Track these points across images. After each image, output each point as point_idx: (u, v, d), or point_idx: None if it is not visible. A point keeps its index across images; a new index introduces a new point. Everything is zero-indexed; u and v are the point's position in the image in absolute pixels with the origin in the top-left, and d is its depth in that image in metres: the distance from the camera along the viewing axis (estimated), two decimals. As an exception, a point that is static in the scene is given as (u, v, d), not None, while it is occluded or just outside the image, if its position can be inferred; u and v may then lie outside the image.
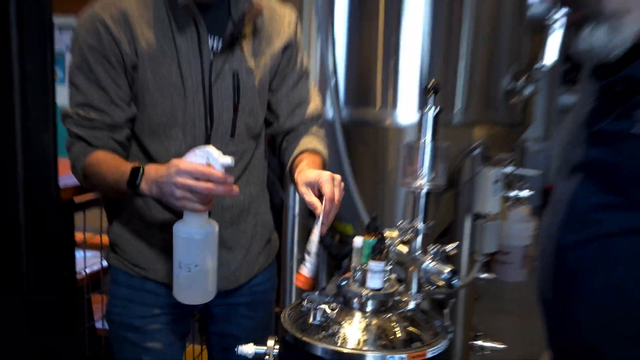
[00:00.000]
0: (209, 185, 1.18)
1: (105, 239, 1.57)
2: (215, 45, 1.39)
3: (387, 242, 1.27)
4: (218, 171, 1.20)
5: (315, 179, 1.28)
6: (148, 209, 1.44)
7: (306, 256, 1.28)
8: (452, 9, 1.94)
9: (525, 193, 2.04)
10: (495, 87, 2.04)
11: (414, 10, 1.92)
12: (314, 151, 1.48)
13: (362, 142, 2.00)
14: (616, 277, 1.05)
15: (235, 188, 1.22)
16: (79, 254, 1.80)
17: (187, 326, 1.60)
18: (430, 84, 1.19)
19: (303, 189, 1.30)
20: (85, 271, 1.89)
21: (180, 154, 1.28)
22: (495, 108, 2.06)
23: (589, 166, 1.10)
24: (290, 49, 1.51)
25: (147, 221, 1.45)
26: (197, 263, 1.29)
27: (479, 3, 1.96)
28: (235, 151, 1.43)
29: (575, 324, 1.11)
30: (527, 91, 2.03)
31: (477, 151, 2.02)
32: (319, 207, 1.26)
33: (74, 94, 1.36)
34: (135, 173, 1.26)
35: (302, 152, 1.48)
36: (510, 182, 2.08)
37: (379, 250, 1.18)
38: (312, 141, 1.51)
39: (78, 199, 1.78)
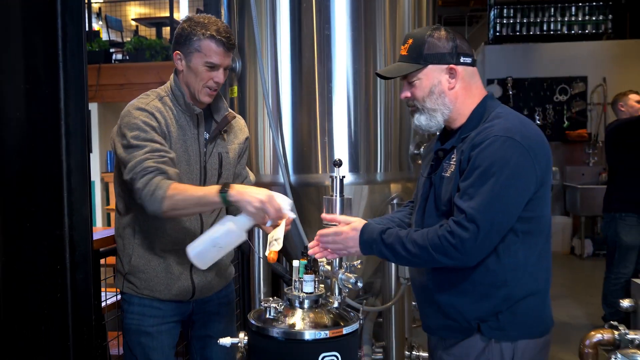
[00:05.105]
0: (273, 212, 1.87)
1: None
2: (204, 136, 2.17)
3: (320, 264, 1.94)
4: (284, 212, 1.90)
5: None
6: (161, 238, 2.10)
7: (275, 242, 1.90)
8: (368, 99, 2.68)
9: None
10: (405, 153, 2.76)
11: (340, 100, 2.65)
12: None
13: (308, 200, 2.69)
14: None
15: (281, 224, 1.90)
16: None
17: (177, 334, 2.24)
18: (335, 161, 1.90)
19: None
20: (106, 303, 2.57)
21: None
22: (407, 168, 2.78)
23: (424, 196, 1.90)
24: (247, 141, 2.33)
25: (159, 249, 2.12)
26: (222, 246, 1.93)
27: (386, 95, 2.71)
28: None
29: None
30: (428, 155, 2.76)
31: (395, 200, 2.73)
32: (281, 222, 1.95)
33: (137, 151, 1.96)
34: (225, 185, 1.91)
35: None
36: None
37: (309, 267, 1.86)
38: None
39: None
